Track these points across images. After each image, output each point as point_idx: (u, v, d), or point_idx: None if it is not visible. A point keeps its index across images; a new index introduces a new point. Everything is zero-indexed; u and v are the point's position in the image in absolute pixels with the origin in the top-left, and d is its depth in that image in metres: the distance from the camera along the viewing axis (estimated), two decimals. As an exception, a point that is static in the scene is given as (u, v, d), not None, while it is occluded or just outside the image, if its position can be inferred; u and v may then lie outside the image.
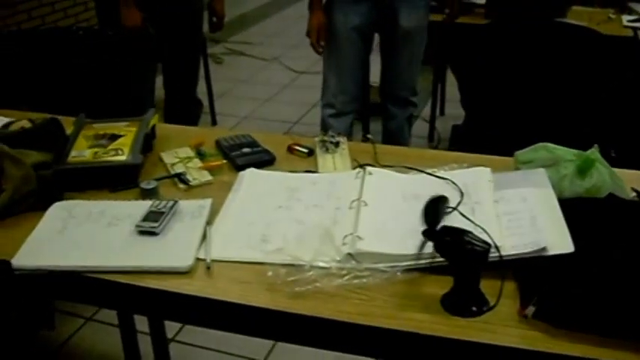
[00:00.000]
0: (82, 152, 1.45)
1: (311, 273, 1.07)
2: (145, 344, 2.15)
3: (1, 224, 1.28)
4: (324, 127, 2.92)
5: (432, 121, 3.77)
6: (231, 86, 4.78)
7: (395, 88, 3.00)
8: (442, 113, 4.03)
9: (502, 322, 1.01)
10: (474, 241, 1.01)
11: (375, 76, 3.75)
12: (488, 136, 2.34)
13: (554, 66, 2.32)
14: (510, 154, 1.46)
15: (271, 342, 2.29)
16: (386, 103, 3.06)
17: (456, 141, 2.64)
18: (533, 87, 2.34)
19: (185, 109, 3.34)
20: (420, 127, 3.95)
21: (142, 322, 2.11)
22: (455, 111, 3.72)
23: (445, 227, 1.05)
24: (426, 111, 4.06)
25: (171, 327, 2.26)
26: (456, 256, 1.02)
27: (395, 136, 3.06)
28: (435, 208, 1.06)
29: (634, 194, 1.30)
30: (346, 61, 2.86)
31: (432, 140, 3.74)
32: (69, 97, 2.27)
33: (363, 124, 3.70)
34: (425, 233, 1.07)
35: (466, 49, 2.55)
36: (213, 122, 4.05)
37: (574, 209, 1.22)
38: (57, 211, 1.31)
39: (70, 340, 2.35)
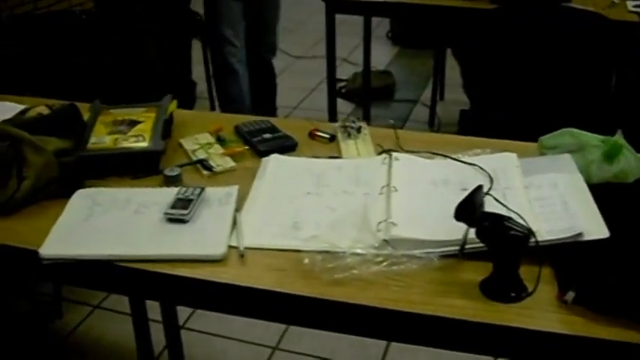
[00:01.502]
0: (101, 139, 1.43)
1: (349, 260, 1.06)
2: (155, 332, 2.14)
3: (23, 213, 1.26)
4: (228, 71, 3.36)
5: (432, 106, 3.76)
6: (227, 71, 4.74)
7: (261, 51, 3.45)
8: (441, 98, 4.02)
9: (541, 308, 1.01)
10: (514, 227, 1.00)
11: (374, 61, 3.76)
12: (498, 121, 2.33)
13: (562, 50, 2.32)
14: (519, 139, 1.45)
15: (282, 328, 2.29)
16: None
17: (464, 126, 2.63)
18: (540, 71, 2.34)
19: (179, 91, 3.28)
20: (420, 112, 3.95)
21: (151, 310, 2.10)
22: (454, 96, 3.72)
23: (484, 213, 1.04)
24: (426, 95, 4.06)
25: (180, 314, 2.24)
26: (497, 242, 1.01)
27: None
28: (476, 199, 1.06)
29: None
30: (236, 17, 3.26)
31: (433, 125, 3.73)
32: (68, 80, 2.25)
33: (363, 110, 3.69)
34: (458, 216, 1.06)
35: (472, 34, 2.53)
36: (212, 108, 4.02)
37: (603, 194, 1.21)
38: (81, 198, 1.29)
39: (78, 329, 2.33)
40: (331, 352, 2.22)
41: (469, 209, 1.03)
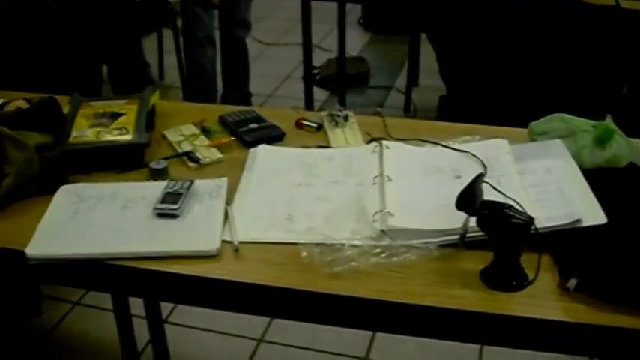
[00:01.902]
0: (83, 132, 1.38)
1: (348, 252, 1.04)
2: (137, 326, 2.10)
3: (6, 212, 1.21)
4: (195, 43, 3.40)
5: (408, 93, 3.74)
6: (199, 60, 4.67)
7: (233, 29, 3.47)
8: (416, 84, 4.01)
9: (543, 296, 1.00)
10: (515, 215, 0.99)
11: (346, 47, 3.73)
12: (479, 107, 2.33)
13: (542, 36, 2.32)
14: (501, 125, 1.44)
15: (267, 320, 2.27)
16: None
17: (443, 112, 2.62)
18: (526, 58, 2.33)
19: (131, 72, 3.20)
20: (395, 98, 3.94)
21: (133, 304, 2.05)
22: (429, 82, 3.72)
23: (484, 201, 1.03)
24: (400, 82, 4.04)
25: (162, 308, 2.21)
26: (498, 230, 1.00)
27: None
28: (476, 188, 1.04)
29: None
30: None
31: (409, 111, 3.71)
32: (42, 74, 2.18)
33: (339, 97, 3.66)
34: (460, 206, 1.05)
35: (450, 20, 2.52)
36: (185, 97, 3.96)
37: (597, 180, 1.21)
38: (65, 195, 1.24)
39: (59, 326, 2.28)
40: (317, 342, 2.20)
41: (469, 198, 1.02)
